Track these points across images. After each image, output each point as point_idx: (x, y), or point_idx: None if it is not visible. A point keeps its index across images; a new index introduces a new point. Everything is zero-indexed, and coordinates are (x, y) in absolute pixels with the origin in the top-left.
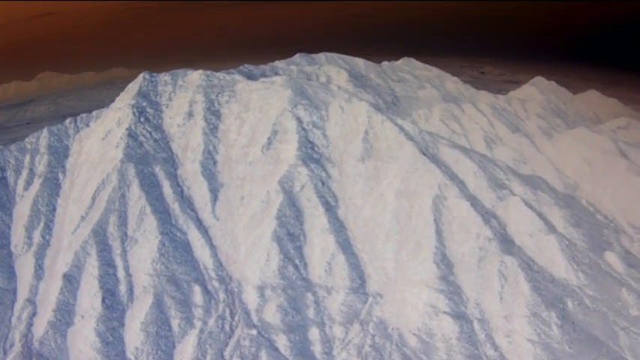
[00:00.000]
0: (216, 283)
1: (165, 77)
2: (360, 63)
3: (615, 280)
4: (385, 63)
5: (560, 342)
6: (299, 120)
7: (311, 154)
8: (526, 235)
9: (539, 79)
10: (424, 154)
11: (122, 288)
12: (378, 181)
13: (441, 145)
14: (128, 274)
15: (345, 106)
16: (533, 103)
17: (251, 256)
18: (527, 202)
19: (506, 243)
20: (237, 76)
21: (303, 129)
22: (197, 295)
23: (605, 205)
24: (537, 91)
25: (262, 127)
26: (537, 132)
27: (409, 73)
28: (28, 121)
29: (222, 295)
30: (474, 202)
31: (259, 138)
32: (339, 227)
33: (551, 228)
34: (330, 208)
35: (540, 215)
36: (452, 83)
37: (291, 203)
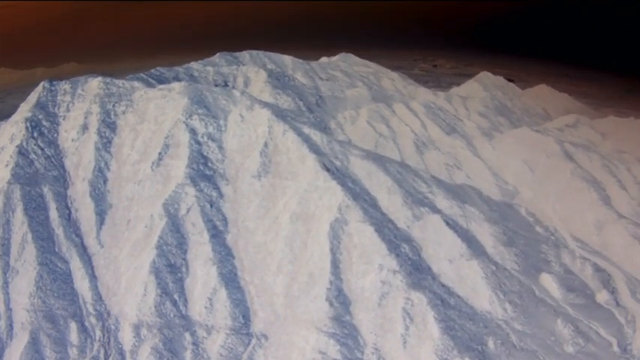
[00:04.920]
0: (93, 320)
1: (65, 86)
2: (288, 61)
3: (550, 309)
4: (323, 59)
5: None
6: (193, 132)
7: (203, 171)
8: (444, 260)
9: (484, 75)
10: (327, 170)
11: (2, 324)
12: (275, 202)
13: (353, 157)
14: (8, 309)
15: (246, 115)
16: (475, 101)
17: (130, 289)
18: (451, 219)
19: (418, 273)
20: (136, 83)
21: (197, 142)
22: (73, 333)
23: (547, 214)
24: (481, 88)
25: (155, 140)
26: (476, 133)
27: (342, 70)
28: None
29: (98, 333)
30: (380, 226)
31: (151, 153)
32: (225, 256)
33: (476, 250)
34: (218, 234)
35: (464, 235)
36: (389, 80)
37: (175, 229)
